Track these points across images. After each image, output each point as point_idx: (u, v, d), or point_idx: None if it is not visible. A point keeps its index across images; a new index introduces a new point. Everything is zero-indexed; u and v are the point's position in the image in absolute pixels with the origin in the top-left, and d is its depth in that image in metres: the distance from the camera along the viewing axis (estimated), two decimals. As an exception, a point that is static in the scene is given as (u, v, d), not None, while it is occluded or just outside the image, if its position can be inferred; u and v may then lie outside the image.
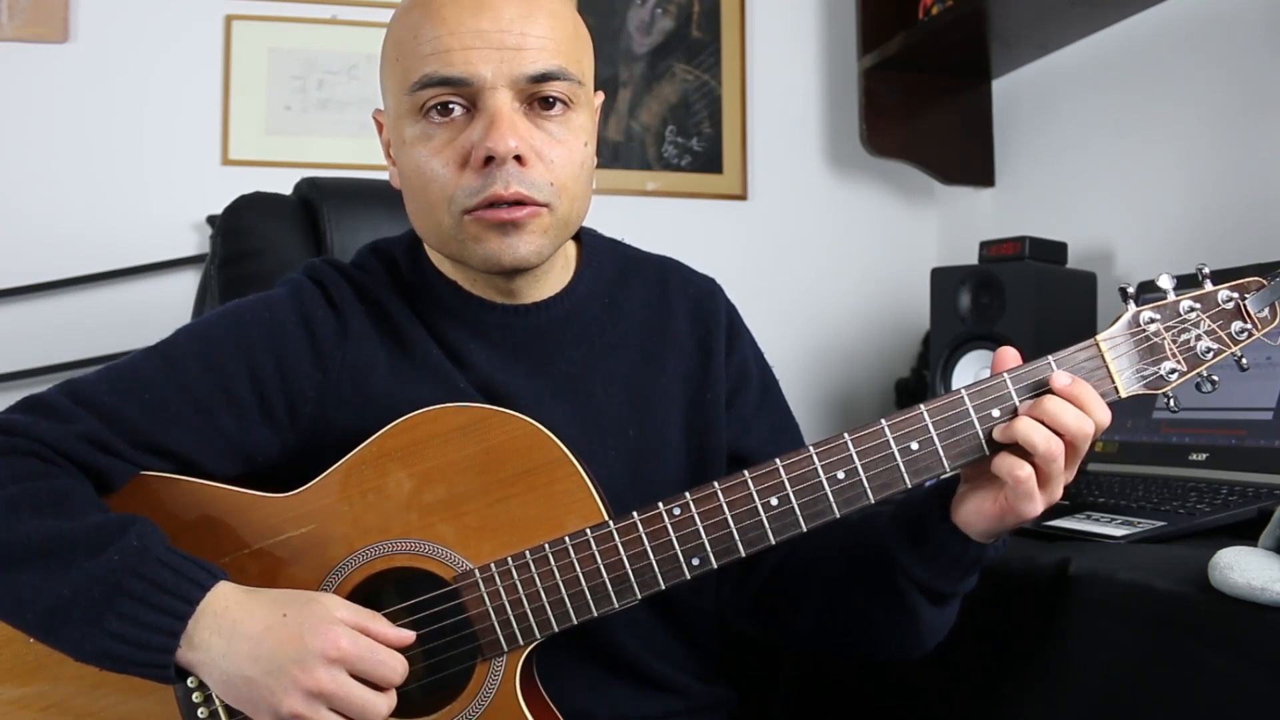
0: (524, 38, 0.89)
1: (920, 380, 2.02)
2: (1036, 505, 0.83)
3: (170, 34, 1.96)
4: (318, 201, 1.47)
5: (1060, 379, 0.84)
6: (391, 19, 0.95)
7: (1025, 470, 0.82)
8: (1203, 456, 1.27)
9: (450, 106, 0.90)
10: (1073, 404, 0.83)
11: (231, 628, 0.81)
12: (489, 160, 0.89)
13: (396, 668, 0.83)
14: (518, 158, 0.89)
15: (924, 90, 2.11)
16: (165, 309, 1.88)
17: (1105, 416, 0.84)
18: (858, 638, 0.98)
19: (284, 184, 1.56)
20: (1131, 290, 0.88)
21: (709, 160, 2.20)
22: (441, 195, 0.91)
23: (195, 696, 0.89)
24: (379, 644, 0.83)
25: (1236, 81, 1.59)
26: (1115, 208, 1.82)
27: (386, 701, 0.83)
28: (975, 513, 0.86)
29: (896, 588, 0.92)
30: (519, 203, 0.90)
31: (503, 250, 0.91)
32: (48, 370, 1.84)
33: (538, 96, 0.90)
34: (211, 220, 1.84)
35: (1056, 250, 1.75)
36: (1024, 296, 1.65)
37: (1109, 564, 0.93)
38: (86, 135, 1.92)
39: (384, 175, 1.44)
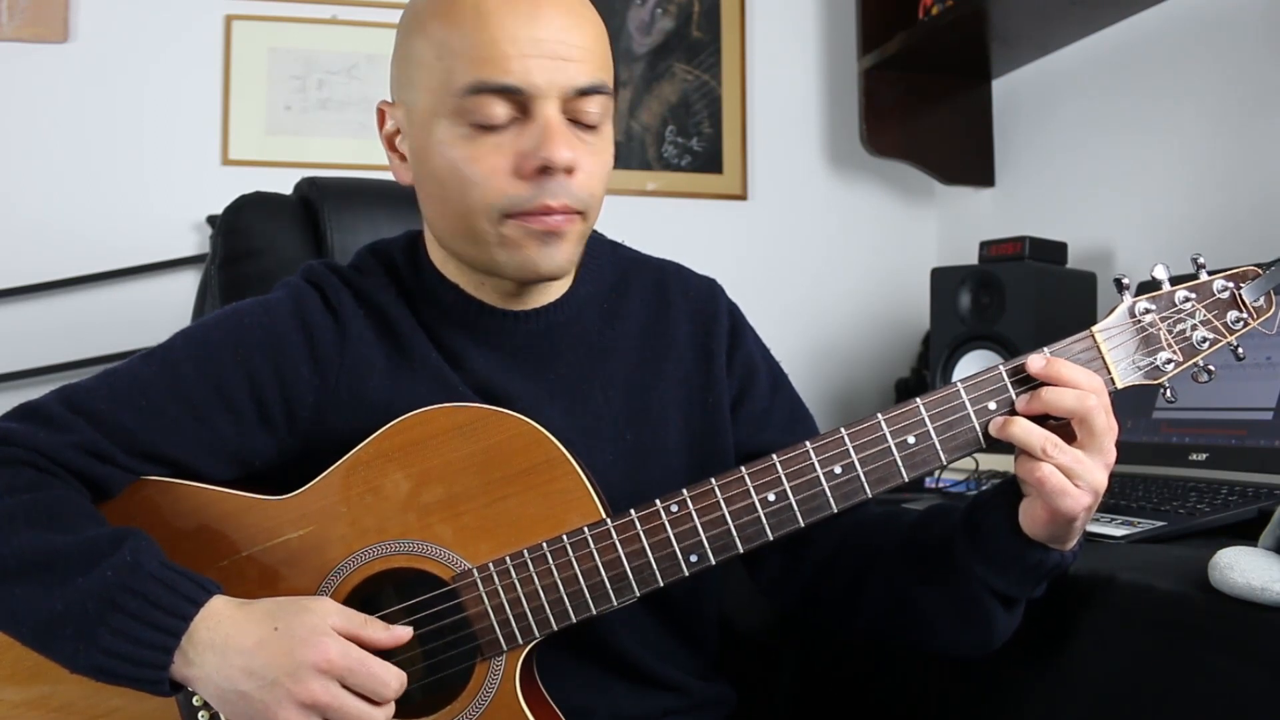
0: (573, 49, 0.89)
1: (920, 380, 2.03)
2: (1074, 499, 0.81)
3: (170, 34, 1.96)
4: (318, 201, 1.47)
5: (1035, 362, 0.84)
6: (422, 16, 0.92)
7: (1042, 470, 0.81)
8: (1203, 456, 1.27)
9: (498, 114, 0.89)
10: (1057, 384, 0.83)
11: (224, 642, 0.81)
12: (542, 170, 0.88)
13: (390, 682, 0.83)
14: (567, 169, 0.89)
15: (924, 90, 2.11)
16: (165, 309, 1.88)
17: (1097, 381, 0.84)
18: (923, 632, 0.96)
19: (284, 184, 1.56)
20: (1127, 281, 0.87)
21: (709, 160, 2.20)
22: (483, 201, 0.90)
23: (195, 700, 0.89)
24: (371, 656, 0.83)
25: (1237, 81, 1.59)
26: (1115, 208, 1.82)
27: (382, 714, 0.83)
28: (1030, 519, 0.84)
29: (971, 590, 0.89)
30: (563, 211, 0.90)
31: (541, 259, 0.92)
32: (47, 370, 1.84)
33: (578, 110, 0.90)
34: (211, 220, 1.85)
35: (1056, 250, 1.76)
36: (1024, 296, 1.65)
37: (1109, 564, 0.93)
38: (86, 135, 1.92)
39: (384, 175, 1.44)
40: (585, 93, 0.90)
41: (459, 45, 0.89)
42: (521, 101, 0.89)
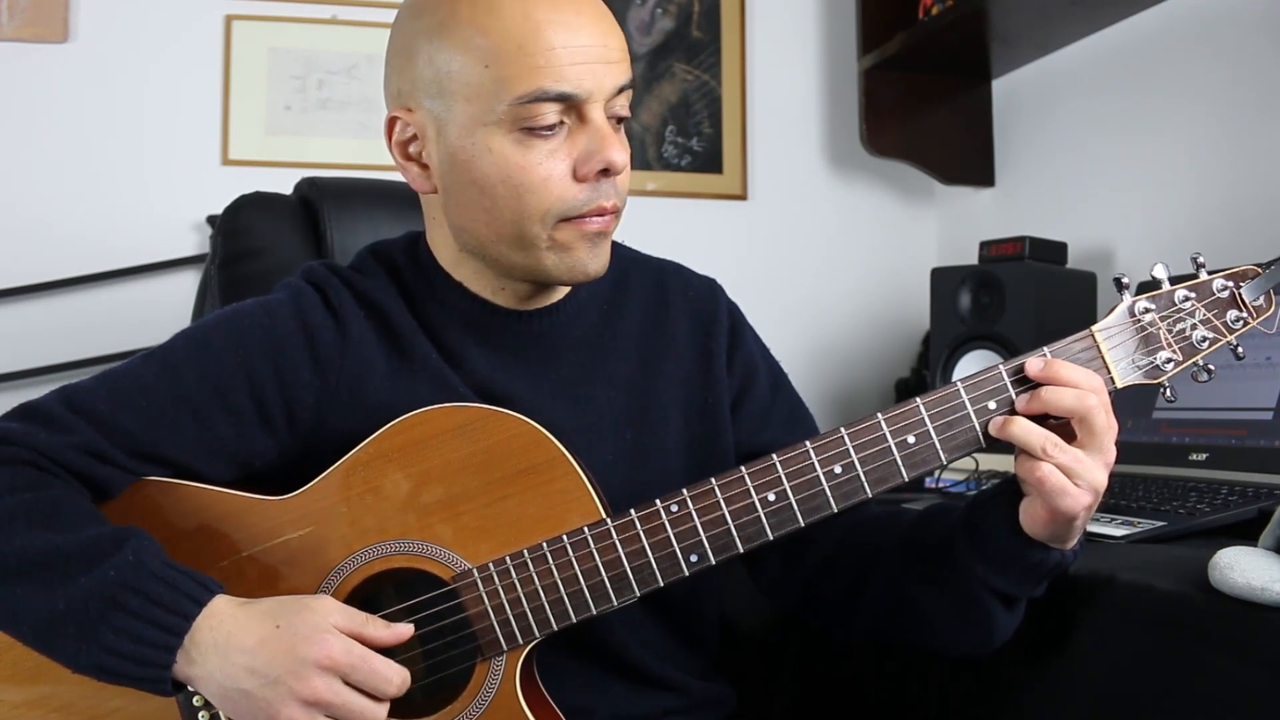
0: (612, 51, 0.91)
1: (920, 380, 2.03)
2: (1073, 499, 0.81)
3: (170, 34, 1.96)
4: (318, 201, 1.47)
5: (1034, 365, 0.84)
6: (452, 24, 0.90)
7: (1042, 470, 0.81)
8: (1203, 456, 1.27)
9: (551, 119, 0.89)
10: (1056, 384, 0.83)
11: (226, 641, 0.81)
12: (602, 173, 0.90)
13: (392, 679, 0.83)
14: (619, 170, 0.91)
15: (924, 90, 2.11)
16: (165, 309, 1.88)
17: (1096, 381, 0.84)
18: (923, 632, 0.96)
19: (284, 184, 1.56)
20: (1126, 280, 0.87)
21: (709, 160, 2.20)
22: (538, 207, 0.90)
23: (196, 700, 0.89)
24: (373, 654, 0.83)
25: (1237, 81, 1.59)
26: (1115, 208, 1.82)
27: (385, 711, 0.83)
28: (1030, 518, 0.85)
29: (971, 589, 0.89)
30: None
31: (590, 260, 0.93)
32: (47, 370, 1.84)
33: (615, 107, 0.92)
34: (211, 220, 1.84)
35: (1056, 250, 1.76)
36: (1024, 296, 1.66)
37: (1109, 564, 0.93)
38: (86, 135, 1.92)
39: (383, 175, 1.44)
40: (621, 90, 0.92)
41: (511, 55, 0.88)
42: (574, 107, 0.90)
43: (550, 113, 0.89)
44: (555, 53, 0.88)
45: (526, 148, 0.90)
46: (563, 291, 1.02)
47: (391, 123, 0.96)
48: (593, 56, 0.89)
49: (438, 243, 1.01)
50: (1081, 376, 0.84)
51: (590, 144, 0.90)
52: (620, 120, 0.94)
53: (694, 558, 0.87)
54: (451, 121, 0.91)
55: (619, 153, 0.90)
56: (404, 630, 0.86)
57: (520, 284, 0.98)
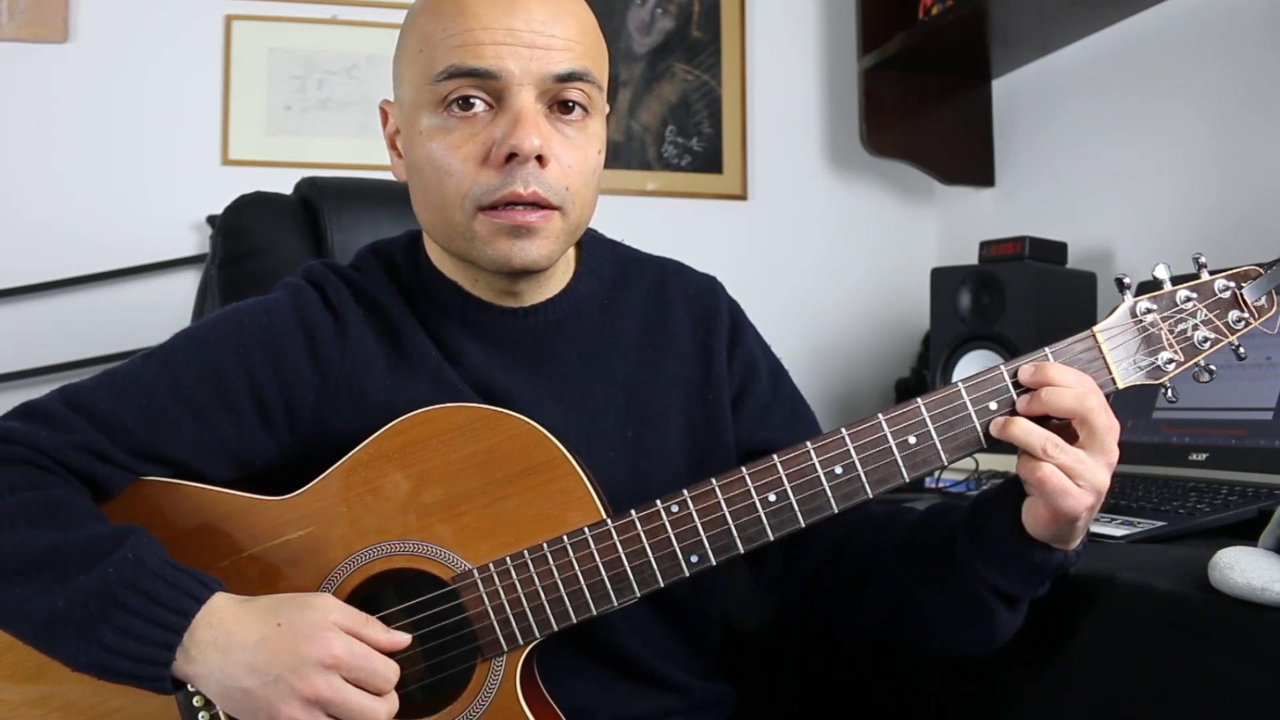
0: (553, 39, 0.89)
1: (920, 380, 2.03)
2: (1075, 499, 0.81)
3: (170, 34, 1.96)
4: (318, 201, 1.47)
5: (1025, 371, 0.84)
6: (414, 12, 0.95)
7: (1043, 470, 0.81)
8: (1203, 456, 1.27)
9: (472, 101, 0.90)
10: (1051, 386, 0.83)
11: (227, 639, 0.81)
12: (510, 158, 0.89)
13: (390, 676, 0.83)
14: (539, 158, 0.89)
15: (924, 90, 2.11)
16: (165, 309, 1.88)
17: (1088, 380, 0.84)
18: (924, 632, 0.96)
19: (284, 184, 1.56)
20: (1128, 280, 0.87)
21: (709, 160, 2.20)
22: (456, 191, 0.91)
23: (196, 700, 0.89)
24: (373, 651, 0.83)
25: (1237, 81, 1.59)
26: (1115, 208, 1.82)
27: (385, 707, 0.83)
28: (1032, 519, 0.84)
29: (973, 589, 0.89)
30: (534, 204, 0.90)
31: (513, 253, 0.91)
32: (47, 370, 1.84)
33: (559, 99, 0.91)
34: (211, 220, 1.85)
35: (1056, 250, 1.76)
36: (1024, 296, 1.66)
37: (1109, 564, 0.93)
38: (86, 135, 1.92)
39: (384, 175, 1.44)
40: (564, 79, 0.90)
41: (438, 35, 0.90)
42: (495, 89, 0.89)
43: (466, 90, 0.89)
44: (474, 32, 0.88)
45: (447, 130, 0.90)
46: (554, 287, 1.02)
47: (383, 114, 1.00)
48: (520, 40, 0.88)
49: (427, 238, 1.02)
50: (1071, 377, 0.83)
51: (504, 128, 0.89)
52: (572, 107, 0.91)
53: (694, 558, 0.87)
54: (405, 107, 0.95)
55: (530, 138, 0.88)
56: (402, 639, 0.86)
57: (489, 275, 0.97)
